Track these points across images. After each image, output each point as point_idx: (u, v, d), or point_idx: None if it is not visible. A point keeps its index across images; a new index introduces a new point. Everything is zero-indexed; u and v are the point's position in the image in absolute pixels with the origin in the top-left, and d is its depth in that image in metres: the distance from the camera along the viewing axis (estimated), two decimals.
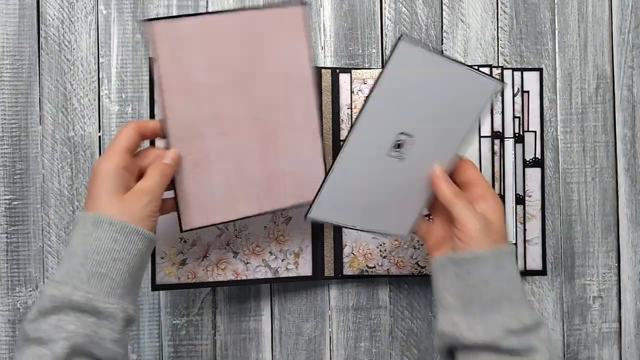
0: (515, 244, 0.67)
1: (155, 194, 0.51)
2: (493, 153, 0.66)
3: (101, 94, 0.69)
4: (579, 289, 0.70)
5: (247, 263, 0.66)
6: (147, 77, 0.69)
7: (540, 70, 0.69)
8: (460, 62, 0.52)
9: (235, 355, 0.69)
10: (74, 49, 0.69)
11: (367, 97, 0.50)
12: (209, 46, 0.54)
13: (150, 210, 0.50)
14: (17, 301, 0.68)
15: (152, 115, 0.65)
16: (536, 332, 0.49)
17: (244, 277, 0.66)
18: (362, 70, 0.68)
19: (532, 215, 0.68)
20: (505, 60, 0.71)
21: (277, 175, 0.58)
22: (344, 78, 0.68)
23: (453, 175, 0.54)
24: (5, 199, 0.68)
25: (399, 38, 0.48)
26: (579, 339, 0.70)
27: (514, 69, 0.68)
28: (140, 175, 0.53)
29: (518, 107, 0.68)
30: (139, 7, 0.69)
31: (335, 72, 0.68)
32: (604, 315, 0.70)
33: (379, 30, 0.71)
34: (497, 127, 0.67)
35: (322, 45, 0.70)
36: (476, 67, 0.64)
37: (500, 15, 0.71)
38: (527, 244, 0.68)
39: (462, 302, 0.50)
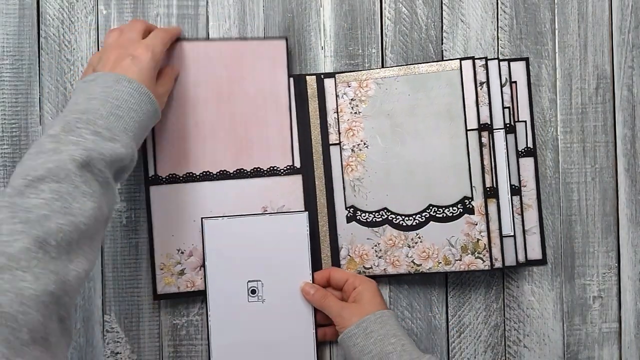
0: (514, 235, 0.67)
1: (156, 48, 0.58)
2: (481, 145, 0.66)
3: None
4: (579, 289, 0.70)
5: None
6: None
7: (526, 59, 0.69)
8: (262, 214, 0.66)
9: None
10: (74, 49, 0.69)
11: (204, 267, 0.65)
12: (197, 65, 0.66)
13: (163, 91, 0.60)
14: None
15: (145, 169, 0.65)
16: None
17: None
18: (346, 73, 0.68)
19: (529, 205, 0.68)
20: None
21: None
22: (328, 83, 0.68)
23: (329, 284, 0.66)
24: None
25: (202, 219, 0.65)
26: (579, 339, 0.70)
27: (500, 60, 0.68)
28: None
29: (507, 97, 0.68)
30: (139, 7, 0.69)
31: (320, 78, 0.68)
32: (604, 315, 0.70)
33: (379, 30, 0.71)
34: (485, 119, 0.66)
35: (322, 45, 0.70)
36: (458, 59, 0.67)
37: (500, 15, 0.71)
38: (525, 234, 0.68)
39: None
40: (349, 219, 0.68)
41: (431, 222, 0.66)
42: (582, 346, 0.70)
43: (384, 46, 0.71)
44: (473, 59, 0.67)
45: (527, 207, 0.68)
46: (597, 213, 0.70)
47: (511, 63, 0.69)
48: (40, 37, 0.68)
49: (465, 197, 0.65)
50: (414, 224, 0.66)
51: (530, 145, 0.69)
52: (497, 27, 0.71)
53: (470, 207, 0.65)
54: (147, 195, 0.66)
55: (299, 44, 0.70)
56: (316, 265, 0.67)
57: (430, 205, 0.66)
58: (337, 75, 0.68)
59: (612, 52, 0.71)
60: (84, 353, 0.68)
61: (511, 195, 0.67)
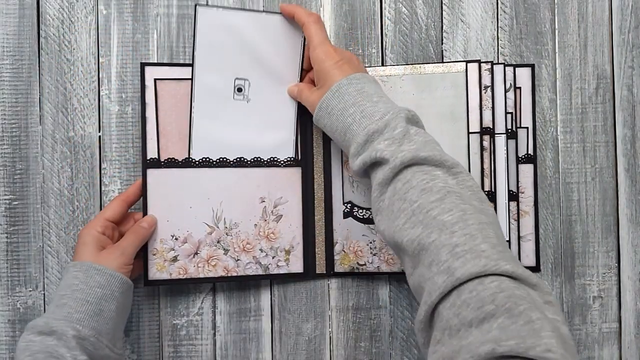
0: (509, 241, 0.67)
1: (125, 250, 0.60)
2: (482, 149, 0.66)
3: (101, 94, 0.69)
4: (579, 289, 0.70)
5: (238, 260, 0.66)
6: None
7: (532, 66, 0.69)
8: (258, 10, 0.64)
9: (235, 355, 0.69)
10: (74, 49, 0.69)
11: (192, 59, 0.63)
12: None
13: (120, 263, 0.59)
14: (17, 301, 0.68)
15: (144, 151, 0.65)
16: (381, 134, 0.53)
17: (235, 274, 0.66)
18: None
19: (525, 211, 0.68)
20: (505, 60, 0.71)
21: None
22: None
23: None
24: (5, 199, 0.68)
25: (195, 6, 0.62)
26: (579, 339, 0.70)
27: (505, 65, 0.68)
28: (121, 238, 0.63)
29: (510, 102, 0.68)
30: (139, 7, 0.69)
31: None
32: (604, 315, 0.70)
33: (379, 30, 0.71)
34: (487, 123, 0.66)
35: None
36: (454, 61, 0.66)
37: (500, 15, 0.71)
38: (520, 241, 0.68)
39: (343, 136, 0.57)
40: (346, 215, 0.68)
41: None
42: (582, 346, 0.70)
43: (384, 46, 0.71)
44: (479, 62, 0.66)
45: (523, 214, 0.68)
46: (597, 213, 0.70)
47: (517, 69, 0.69)
48: (40, 37, 0.68)
49: None
50: None
51: (530, 151, 0.69)
52: (497, 27, 0.71)
53: None
54: (144, 178, 0.65)
55: None
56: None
57: None
58: None
59: (612, 52, 0.71)
60: None
61: (509, 201, 0.67)
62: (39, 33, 0.68)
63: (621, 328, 0.70)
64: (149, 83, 0.65)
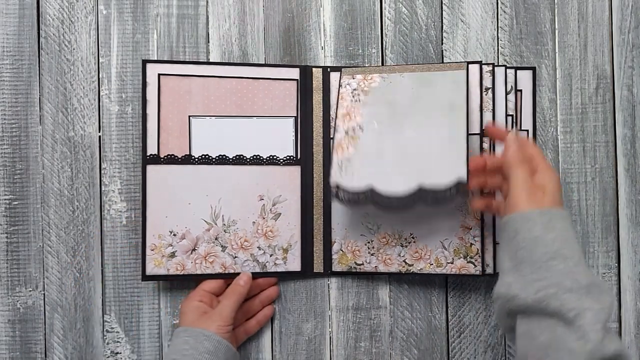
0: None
1: (223, 311, 0.62)
2: (482, 151, 0.66)
3: (101, 94, 0.69)
4: None
5: (235, 257, 0.66)
6: None
7: (533, 69, 0.69)
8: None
9: None
10: (74, 49, 0.69)
11: None
12: (208, 100, 0.67)
13: (219, 324, 0.60)
14: (17, 301, 0.68)
15: (144, 148, 0.65)
16: (589, 293, 0.48)
17: (232, 271, 0.66)
18: (353, 68, 0.68)
19: None
20: (505, 60, 0.71)
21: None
22: (334, 77, 0.68)
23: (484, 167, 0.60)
24: (5, 199, 0.68)
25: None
26: None
27: (507, 67, 0.67)
28: None
29: (511, 105, 0.68)
30: (139, 7, 0.69)
31: (326, 71, 0.68)
32: None
33: (379, 30, 0.71)
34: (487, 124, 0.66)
35: (322, 45, 0.70)
36: (466, 62, 0.65)
37: (500, 15, 0.71)
38: None
39: (514, 263, 0.52)
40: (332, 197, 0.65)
41: (419, 203, 0.62)
42: None
43: (384, 46, 0.71)
44: (480, 63, 0.66)
45: None
46: (597, 213, 0.70)
47: (518, 71, 0.68)
48: (40, 37, 0.68)
49: (459, 182, 0.61)
50: (400, 204, 0.62)
51: None
52: (497, 27, 0.71)
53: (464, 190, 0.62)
54: (144, 173, 0.65)
55: (299, 44, 0.70)
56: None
57: (420, 188, 0.61)
58: (343, 69, 0.67)
59: (612, 52, 0.71)
60: (84, 353, 0.68)
61: None
62: (39, 33, 0.68)
63: (621, 328, 0.70)
64: (151, 79, 0.66)
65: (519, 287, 0.50)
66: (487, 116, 0.66)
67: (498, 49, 0.71)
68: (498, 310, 0.53)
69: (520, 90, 0.69)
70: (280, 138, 0.67)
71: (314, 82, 0.68)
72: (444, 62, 0.70)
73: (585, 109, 0.71)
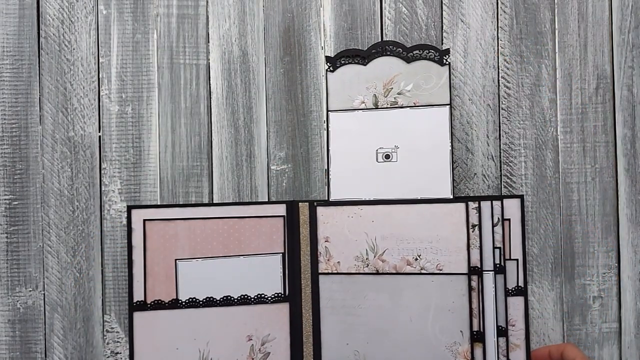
0: None
1: None
2: (470, 289, 0.65)
3: (101, 94, 0.69)
4: (579, 289, 0.70)
5: None
6: (147, 78, 0.69)
7: (521, 197, 0.66)
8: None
9: None
10: (74, 49, 0.69)
11: None
12: (194, 242, 0.66)
13: None
14: (17, 301, 0.68)
15: (130, 295, 0.65)
16: None
17: None
18: (337, 206, 0.67)
19: (516, 344, 0.66)
20: (505, 60, 0.71)
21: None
22: (321, 211, 0.67)
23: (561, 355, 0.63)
24: (5, 199, 0.68)
25: None
26: (579, 339, 0.70)
27: (492, 198, 0.65)
28: None
29: (498, 237, 0.66)
30: (139, 7, 0.69)
31: (312, 205, 0.67)
32: (604, 315, 0.70)
33: (379, 30, 0.71)
34: (475, 262, 0.65)
35: (322, 45, 0.70)
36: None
37: (500, 15, 0.71)
38: None
39: None
40: None
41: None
42: (582, 346, 0.70)
43: None
44: (466, 201, 0.65)
45: (514, 347, 0.66)
46: (597, 213, 0.70)
47: (505, 201, 0.66)
48: (40, 37, 0.68)
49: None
50: None
51: (521, 284, 0.66)
52: (497, 27, 0.71)
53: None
54: (131, 321, 0.64)
55: (299, 44, 0.70)
56: None
57: None
58: (330, 207, 0.67)
59: (612, 52, 0.71)
60: (84, 353, 0.68)
61: (497, 337, 0.65)
62: (39, 33, 0.68)
63: (621, 328, 0.70)
64: (136, 225, 0.65)
65: None
66: (475, 254, 0.65)
67: (498, 49, 0.71)
68: None
69: (509, 220, 0.67)
70: (268, 275, 0.67)
71: (300, 217, 0.67)
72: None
73: (585, 109, 0.71)
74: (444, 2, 0.71)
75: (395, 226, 0.66)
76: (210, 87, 0.70)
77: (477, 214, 0.65)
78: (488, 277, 0.65)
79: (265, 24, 0.70)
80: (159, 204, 0.69)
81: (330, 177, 0.68)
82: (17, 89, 0.68)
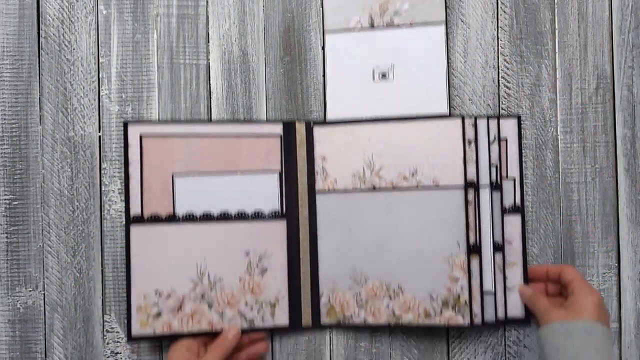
0: (495, 292, 0.66)
1: None
2: (467, 202, 0.65)
3: (101, 94, 0.69)
4: None
5: (222, 314, 0.66)
6: (147, 78, 0.69)
7: (518, 117, 0.68)
8: None
9: None
10: (74, 49, 0.69)
11: None
12: (191, 158, 0.66)
13: None
14: (17, 301, 0.68)
15: (127, 209, 0.65)
16: None
17: (219, 328, 0.65)
18: (334, 126, 0.68)
19: (514, 262, 0.67)
20: (505, 60, 0.71)
21: None
22: (318, 131, 0.68)
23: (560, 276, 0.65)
24: (5, 199, 0.68)
25: None
26: None
27: (489, 117, 0.67)
28: None
29: (495, 155, 0.67)
30: (139, 7, 0.69)
31: (309, 126, 0.68)
32: None
33: None
34: (471, 176, 0.66)
35: (322, 45, 0.70)
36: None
37: (500, 15, 0.71)
38: (508, 292, 0.67)
39: None
40: None
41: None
42: None
43: None
44: (463, 118, 0.66)
45: (511, 265, 0.67)
46: (597, 213, 0.70)
47: (502, 120, 0.68)
48: (40, 37, 0.68)
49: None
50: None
51: (518, 203, 0.68)
52: (497, 27, 0.71)
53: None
54: (127, 234, 0.65)
55: (299, 44, 0.70)
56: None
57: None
58: (326, 125, 0.68)
59: (612, 52, 0.71)
60: (84, 353, 0.68)
61: (494, 253, 0.66)
62: (39, 33, 0.68)
63: (621, 328, 0.70)
64: (133, 141, 0.65)
65: None
66: (471, 168, 0.66)
67: (498, 49, 0.71)
68: None
69: (506, 139, 0.68)
70: (265, 193, 0.67)
71: (297, 137, 0.68)
72: (427, 117, 0.69)
73: (585, 109, 0.71)
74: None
75: (391, 143, 0.67)
76: (210, 87, 0.70)
77: (474, 130, 0.66)
78: (484, 192, 0.66)
79: (265, 24, 0.70)
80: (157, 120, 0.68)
81: (326, 97, 0.69)
82: (17, 89, 0.68)
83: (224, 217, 0.66)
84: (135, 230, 0.65)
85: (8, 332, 0.67)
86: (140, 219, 0.65)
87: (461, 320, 0.65)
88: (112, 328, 0.68)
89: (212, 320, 0.66)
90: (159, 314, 0.65)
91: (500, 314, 0.67)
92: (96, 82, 0.69)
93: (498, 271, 0.66)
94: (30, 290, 0.68)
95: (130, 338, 0.65)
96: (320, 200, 0.68)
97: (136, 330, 0.65)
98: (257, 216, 0.67)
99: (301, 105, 0.70)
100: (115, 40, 0.69)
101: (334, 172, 0.68)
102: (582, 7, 0.71)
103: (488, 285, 0.66)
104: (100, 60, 0.69)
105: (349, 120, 0.68)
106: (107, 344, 0.68)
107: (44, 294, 0.68)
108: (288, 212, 0.67)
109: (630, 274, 0.70)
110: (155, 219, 0.65)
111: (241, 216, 0.67)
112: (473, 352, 0.69)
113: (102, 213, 0.68)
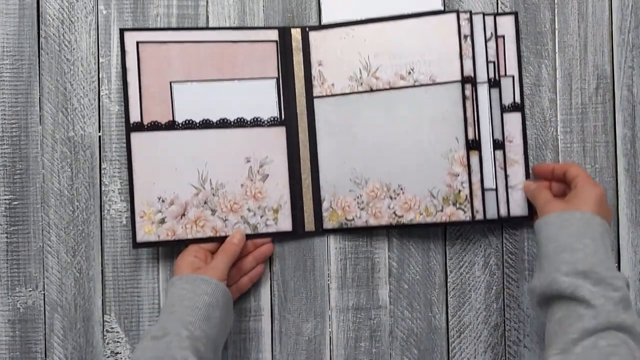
0: (496, 189, 0.66)
1: (217, 267, 0.62)
2: (464, 98, 0.65)
3: (101, 94, 0.69)
4: None
5: (226, 220, 0.66)
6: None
7: (515, 14, 0.69)
8: None
9: (235, 355, 0.69)
10: (74, 49, 0.69)
11: None
12: (188, 65, 0.66)
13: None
14: (17, 301, 0.68)
15: (127, 116, 0.65)
16: (586, 278, 0.53)
17: (223, 234, 0.66)
18: (329, 29, 0.68)
19: (515, 160, 0.68)
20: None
21: None
22: (313, 36, 0.68)
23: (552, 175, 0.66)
24: (5, 199, 0.68)
25: None
26: None
27: (485, 14, 0.67)
28: None
29: (492, 52, 0.67)
30: (139, 7, 0.69)
31: (305, 31, 0.69)
32: None
33: None
34: (468, 72, 0.66)
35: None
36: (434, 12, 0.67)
37: None
38: (510, 190, 0.67)
39: (538, 261, 0.59)
40: None
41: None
42: None
43: None
44: (457, 12, 0.66)
45: (513, 163, 0.68)
46: None
47: (499, 18, 0.68)
48: (40, 37, 0.68)
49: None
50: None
51: (517, 100, 0.68)
52: None
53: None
54: (128, 142, 0.65)
55: None
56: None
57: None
58: (322, 30, 0.68)
59: (612, 52, 0.71)
60: (84, 353, 0.68)
61: (494, 150, 0.67)
62: (39, 33, 0.68)
63: None
64: (130, 48, 0.65)
65: (537, 280, 0.57)
66: (468, 63, 0.66)
67: None
68: (531, 304, 0.62)
69: (503, 36, 0.68)
70: (263, 100, 0.68)
71: (293, 43, 0.68)
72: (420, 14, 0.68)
73: (585, 109, 0.71)
74: (444, 1, 0.71)
75: (387, 43, 0.67)
76: None
77: (469, 25, 0.66)
78: (482, 88, 0.67)
79: (265, 24, 0.70)
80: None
81: (321, 1, 0.69)
82: (17, 89, 0.68)
83: (223, 124, 0.67)
84: (135, 137, 0.66)
85: (8, 332, 0.67)
86: (140, 126, 0.66)
87: (462, 215, 0.65)
88: (112, 328, 0.68)
89: (216, 226, 0.66)
90: (162, 220, 0.66)
91: (503, 211, 0.67)
92: (96, 82, 0.69)
93: (499, 168, 0.66)
94: (30, 290, 0.68)
95: (136, 244, 0.65)
96: (318, 105, 0.68)
97: (141, 236, 0.65)
98: (256, 123, 0.67)
99: (296, 9, 0.70)
100: (115, 40, 0.69)
101: (331, 77, 0.68)
102: (582, 7, 0.71)
103: (489, 182, 0.66)
104: (100, 60, 0.69)
105: (344, 23, 0.68)
106: (107, 344, 0.68)
107: (44, 294, 0.68)
108: (287, 119, 0.68)
109: (630, 274, 0.70)
110: (155, 126, 0.66)
111: (240, 123, 0.67)
112: (473, 352, 0.70)
113: (102, 213, 0.68)
